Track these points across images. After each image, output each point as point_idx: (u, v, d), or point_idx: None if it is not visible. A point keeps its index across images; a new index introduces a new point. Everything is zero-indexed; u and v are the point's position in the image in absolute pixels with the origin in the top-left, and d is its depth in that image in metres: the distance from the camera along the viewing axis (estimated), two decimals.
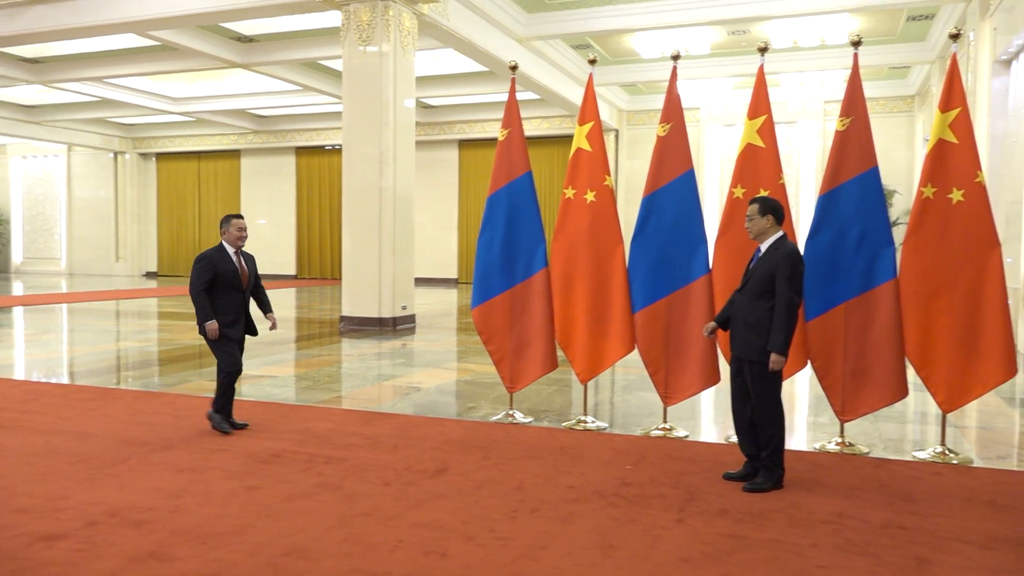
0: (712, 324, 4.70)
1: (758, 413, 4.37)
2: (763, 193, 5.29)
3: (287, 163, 26.49)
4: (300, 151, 26.31)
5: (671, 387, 5.62)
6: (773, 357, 4.23)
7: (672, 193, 5.59)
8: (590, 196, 5.84)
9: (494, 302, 5.98)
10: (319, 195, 26.09)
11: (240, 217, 5.54)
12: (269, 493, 4.14)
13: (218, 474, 4.47)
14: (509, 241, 5.96)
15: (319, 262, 26.12)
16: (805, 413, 6.52)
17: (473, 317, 6.04)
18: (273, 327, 5.58)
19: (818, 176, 19.42)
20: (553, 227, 5.99)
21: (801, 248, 5.15)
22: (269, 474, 4.48)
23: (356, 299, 11.92)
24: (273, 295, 20.22)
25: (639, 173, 21.25)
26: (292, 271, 26.61)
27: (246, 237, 5.51)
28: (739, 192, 5.40)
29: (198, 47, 15.37)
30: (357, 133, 11.85)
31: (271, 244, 26.56)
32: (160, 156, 28.13)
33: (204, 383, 7.47)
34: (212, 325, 5.29)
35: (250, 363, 8.84)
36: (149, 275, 28.28)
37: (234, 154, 27.13)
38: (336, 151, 25.34)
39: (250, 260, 5.62)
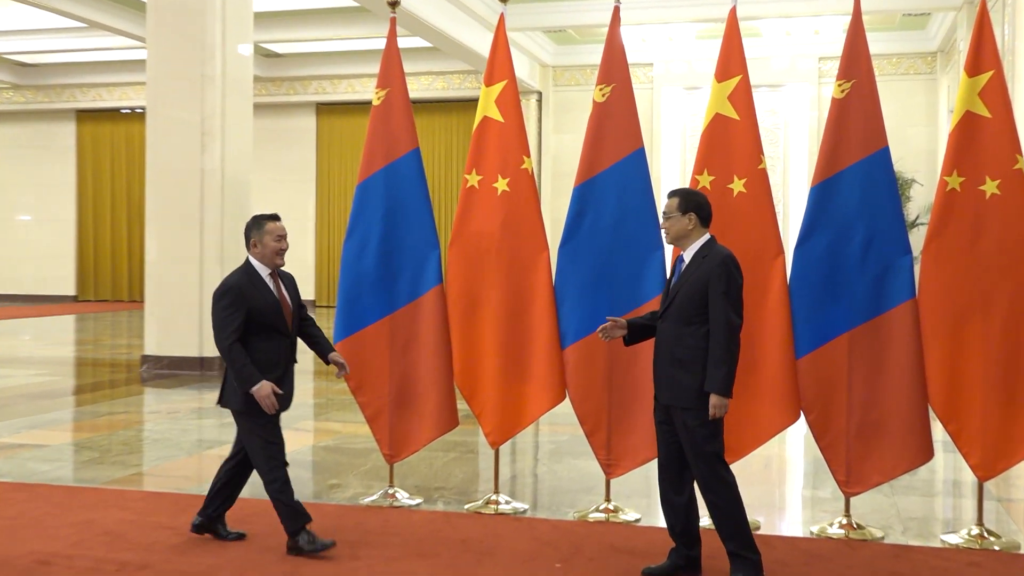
0: (621, 321, 4.66)
1: (698, 480, 4.44)
2: (737, 182, 5.43)
3: (64, 133, 25.91)
4: (83, 116, 25.76)
5: (615, 451, 5.68)
6: (713, 400, 4.29)
7: (615, 180, 5.68)
8: (502, 184, 5.88)
9: (367, 333, 5.95)
10: (111, 180, 25.59)
11: (277, 219, 4.92)
12: None
13: None
14: (389, 247, 5.95)
15: (111, 277, 25.52)
16: (799, 485, 6.70)
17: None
18: (342, 373, 5.18)
19: (812, 159, 20.11)
20: (451, 227, 6.00)
21: (789, 256, 5.33)
22: None
23: (166, 331, 11.70)
24: (41, 325, 19.85)
25: (570, 152, 21.52)
26: (71, 290, 25.97)
27: (287, 249, 4.92)
28: (705, 180, 5.52)
29: None
30: (168, 91, 11.67)
31: (39, 250, 25.70)
32: None
33: None
34: (264, 390, 4.62)
35: (1, 426, 8.48)
36: None
37: None
38: (138, 116, 24.74)
39: (290, 284, 5.05)
